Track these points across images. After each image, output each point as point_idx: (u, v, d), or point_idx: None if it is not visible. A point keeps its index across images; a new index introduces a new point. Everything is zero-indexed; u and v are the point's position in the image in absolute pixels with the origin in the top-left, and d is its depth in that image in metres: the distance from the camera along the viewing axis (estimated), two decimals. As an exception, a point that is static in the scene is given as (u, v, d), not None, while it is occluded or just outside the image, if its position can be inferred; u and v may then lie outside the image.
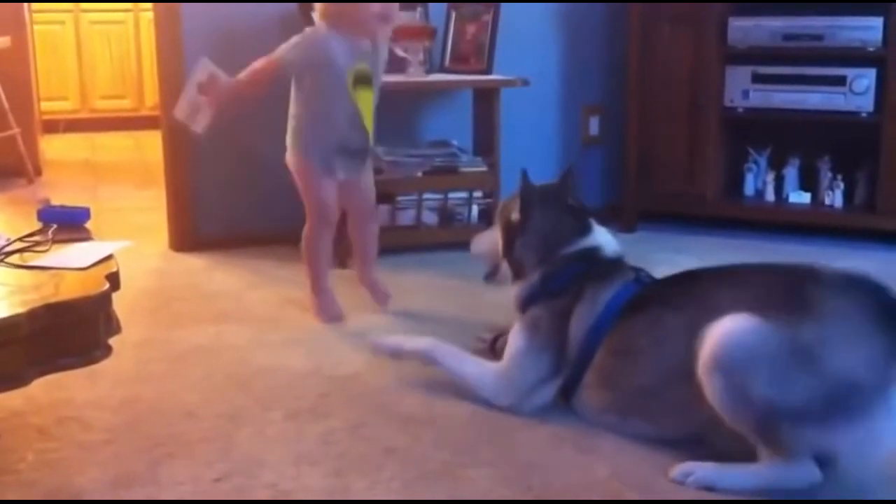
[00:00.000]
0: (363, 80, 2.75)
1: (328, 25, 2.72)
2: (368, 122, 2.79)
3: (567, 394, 2.18)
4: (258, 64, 2.69)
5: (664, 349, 1.99)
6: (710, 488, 1.86)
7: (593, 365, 2.11)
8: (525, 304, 2.25)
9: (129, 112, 7.19)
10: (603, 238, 2.27)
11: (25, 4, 5.40)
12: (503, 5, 3.77)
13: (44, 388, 2.07)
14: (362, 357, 2.56)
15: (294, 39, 2.71)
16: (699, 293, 2.00)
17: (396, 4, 2.76)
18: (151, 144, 5.23)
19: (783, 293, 1.87)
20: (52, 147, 6.17)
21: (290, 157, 2.82)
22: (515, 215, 2.28)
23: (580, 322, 2.13)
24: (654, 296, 2.11)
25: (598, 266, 2.20)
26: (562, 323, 2.15)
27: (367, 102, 2.78)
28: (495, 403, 2.21)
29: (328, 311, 2.86)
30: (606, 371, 2.10)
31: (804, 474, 1.81)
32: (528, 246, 2.27)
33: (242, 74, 2.70)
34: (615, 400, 2.09)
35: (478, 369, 2.28)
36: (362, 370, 2.48)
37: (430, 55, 3.75)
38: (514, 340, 2.23)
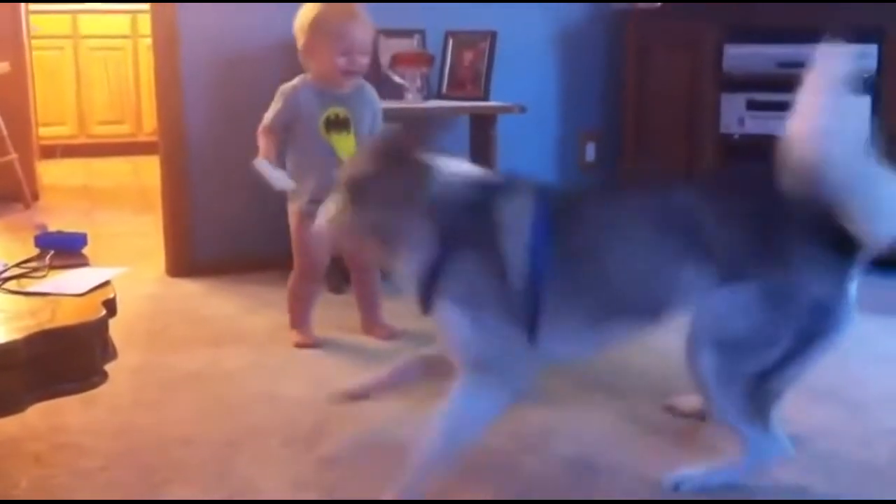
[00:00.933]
0: (337, 125, 2.80)
1: (304, 74, 2.84)
2: None
3: (532, 334, 1.91)
4: (259, 133, 2.82)
5: (626, 254, 1.89)
6: (705, 490, 1.94)
7: (550, 292, 1.88)
8: (430, 277, 1.90)
9: (127, 137, 7.21)
10: (459, 168, 2.00)
11: (24, 31, 5.42)
12: (500, 33, 3.80)
13: (40, 414, 2.07)
14: (359, 382, 2.56)
15: (274, 99, 2.82)
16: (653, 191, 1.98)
17: (365, 58, 2.80)
18: (149, 170, 5.23)
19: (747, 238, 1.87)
20: (50, 172, 6.18)
21: (290, 219, 2.90)
22: (363, 184, 1.96)
23: (514, 251, 1.87)
24: (582, 210, 1.95)
25: (491, 195, 1.92)
26: (494, 269, 1.87)
27: (345, 146, 2.80)
28: (494, 406, 1.92)
29: (301, 343, 2.87)
30: (568, 292, 1.89)
31: (782, 443, 1.93)
32: (389, 214, 1.94)
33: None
34: (588, 313, 1.91)
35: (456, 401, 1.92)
36: (359, 396, 2.47)
37: (427, 82, 3.77)
38: (455, 330, 1.91)
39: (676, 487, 1.94)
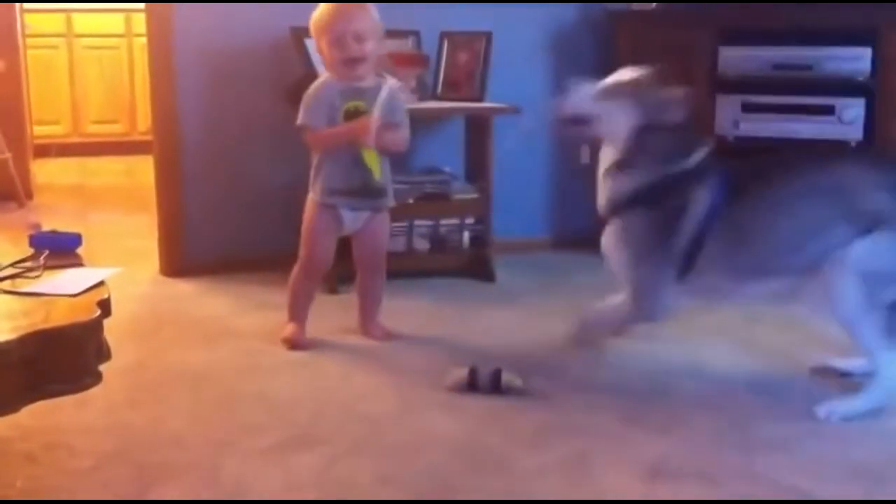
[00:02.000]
0: (357, 117, 2.80)
1: (326, 74, 2.88)
2: (371, 160, 2.82)
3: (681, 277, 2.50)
4: (308, 140, 2.87)
5: (777, 227, 2.42)
6: (852, 417, 2.31)
7: (707, 251, 2.45)
8: (624, 205, 2.53)
9: (121, 137, 7.20)
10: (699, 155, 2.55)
11: (19, 30, 5.41)
12: (495, 34, 3.80)
13: (33, 415, 2.05)
14: (351, 383, 2.57)
15: (303, 102, 2.84)
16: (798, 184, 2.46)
17: (363, 44, 2.79)
18: (143, 169, 5.23)
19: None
20: (44, 171, 6.17)
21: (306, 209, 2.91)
22: (660, 113, 2.53)
23: (691, 219, 2.45)
24: (751, 187, 2.48)
25: (696, 174, 2.50)
26: (669, 227, 2.47)
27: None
28: (644, 319, 2.60)
29: (293, 341, 2.88)
30: (725, 251, 2.45)
31: None
32: (655, 146, 2.52)
33: None
34: (735, 270, 2.47)
35: (617, 310, 2.59)
36: (351, 397, 2.48)
37: (422, 83, 3.77)
38: (630, 266, 2.53)
39: (827, 418, 2.31)
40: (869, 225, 2.32)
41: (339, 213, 2.85)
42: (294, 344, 2.86)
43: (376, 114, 2.77)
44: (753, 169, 2.56)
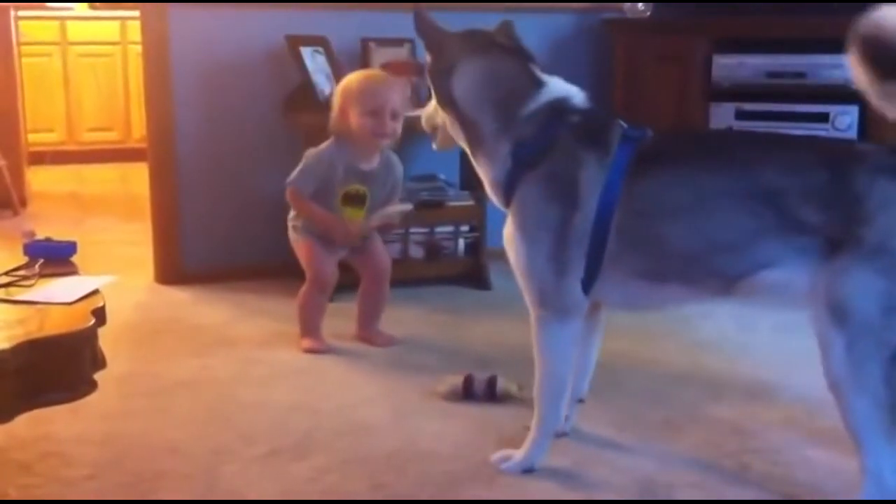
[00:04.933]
0: (354, 201, 2.89)
1: (335, 137, 2.88)
2: (353, 217, 2.91)
3: (587, 279, 1.93)
4: (289, 198, 2.88)
5: (706, 212, 1.83)
6: None
7: (615, 230, 1.87)
8: (507, 190, 2.00)
9: (116, 144, 7.19)
10: (563, 87, 2.05)
11: (13, 37, 5.40)
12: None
13: (27, 424, 2.05)
14: (347, 391, 2.56)
15: (302, 163, 2.87)
16: (738, 154, 1.86)
17: (396, 123, 2.84)
18: (138, 177, 5.23)
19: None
20: (39, 179, 6.15)
21: (290, 234, 2.94)
22: (443, 62, 2.07)
23: (590, 191, 1.88)
24: (672, 152, 1.93)
25: (583, 123, 1.96)
26: (567, 201, 1.89)
27: (354, 218, 2.90)
28: (554, 330, 1.98)
29: (314, 348, 2.89)
30: (636, 235, 1.87)
31: None
32: (476, 99, 2.05)
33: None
34: (651, 265, 1.89)
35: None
36: (347, 405, 2.47)
37: (417, 90, 3.77)
38: (523, 258, 1.97)
39: None
40: (814, 245, 1.75)
41: (333, 249, 2.92)
42: (318, 352, 2.88)
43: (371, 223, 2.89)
44: (676, 137, 2.06)
